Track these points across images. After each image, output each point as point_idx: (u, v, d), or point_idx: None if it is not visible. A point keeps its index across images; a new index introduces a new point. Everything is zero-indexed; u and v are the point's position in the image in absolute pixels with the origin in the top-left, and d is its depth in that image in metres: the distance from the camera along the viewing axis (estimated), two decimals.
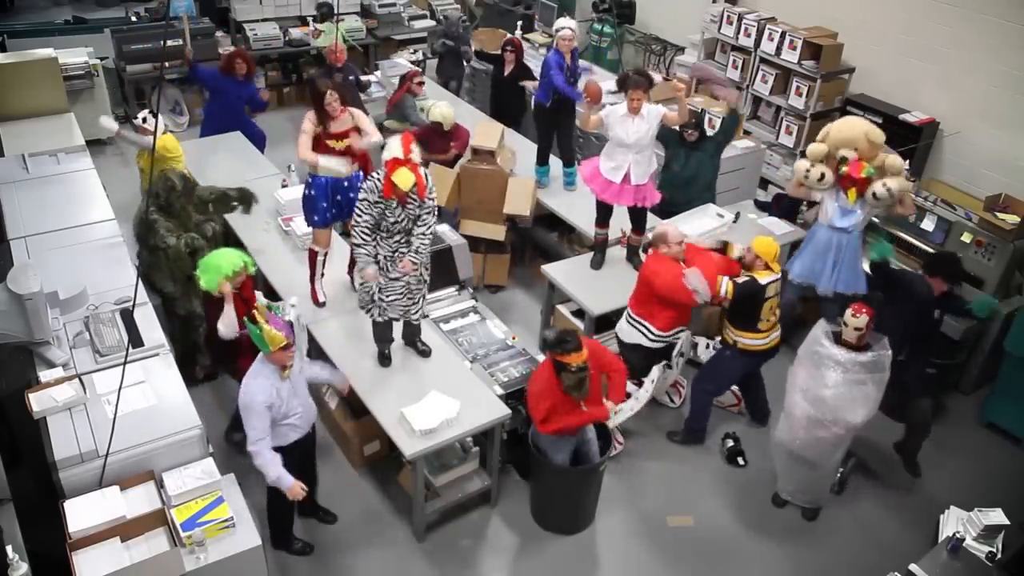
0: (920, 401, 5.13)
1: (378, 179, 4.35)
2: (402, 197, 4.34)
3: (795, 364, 4.72)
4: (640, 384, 5.08)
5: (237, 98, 7.55)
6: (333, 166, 4.98)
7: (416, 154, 4.32)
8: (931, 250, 6.00)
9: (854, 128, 5.39)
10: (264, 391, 3.86)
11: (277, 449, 3.99)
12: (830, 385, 4.50)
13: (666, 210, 6.19)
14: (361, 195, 4.42)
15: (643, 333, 5.15)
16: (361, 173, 5.22)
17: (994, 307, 5.40)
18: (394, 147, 4.30)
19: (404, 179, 4.24)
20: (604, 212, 5.75)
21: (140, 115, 6.18)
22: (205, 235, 5.35)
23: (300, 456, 4.28)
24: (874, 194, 5.28)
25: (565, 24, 6.29)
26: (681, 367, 5.57)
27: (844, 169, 5.33)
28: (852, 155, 5.29)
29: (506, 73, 7.67)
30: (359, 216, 4.42)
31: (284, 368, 3.91)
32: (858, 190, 5.32)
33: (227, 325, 4.36)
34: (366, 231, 4.46)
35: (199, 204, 5.53)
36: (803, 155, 5.70)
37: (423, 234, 4.49)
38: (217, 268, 4.33)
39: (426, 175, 4.41)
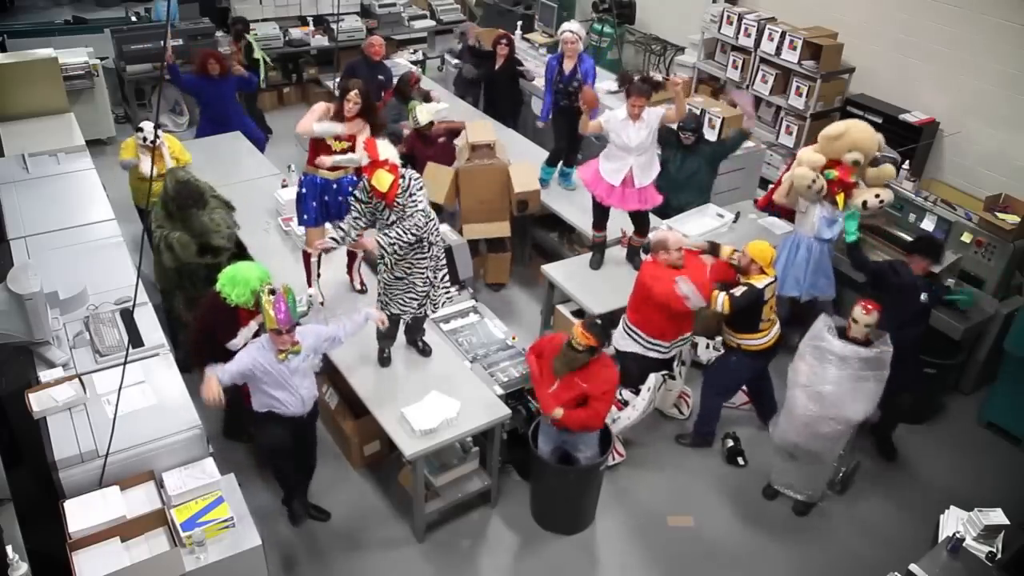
0: (902, 396, 5.12)
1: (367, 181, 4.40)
2: (382, 197, 4.34)
3: (796, 359, 4.70)
4: (637, 392, 5.07)
5: (222, 99, 7.46)
6: (327, 128, 4.90)
7: (389, 153, 4.31)
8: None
9: (869, 133, 5.35)
10: (252, 358, 3.99)
11: (265, 413, 4.19)
12: (831, 380, 4.50)
13: (661, 211, 6.17)
14: (357, 194, 4.46)
15: (636, 340, 5.11)
16: (354, 177, 5.20)
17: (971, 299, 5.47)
18: (361, 153, 4.36)
19: (382, 180, 4.25)
20: (601, 215, 5.74)
21: (144, 132, 5.91)
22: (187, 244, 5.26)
23: (287, 429, 4.31)
24: (865, 203, 5.31)
25: (567, 27, 6.29)
26: (685, 376, 5.56)
27: (834, 174, 5.31)
28: (862, 160, 5.26)
29: (497, 67, 7.65)
30: (352, 207, 4.47)
31: (281, 351, 4.01)
32: (846, 195, 5.32)
33: (243, 338, 4.42)
34: (358, 220, 4.47)
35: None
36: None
37: (404, 229, 4.38)
38: (246, 282, 4.31)
39: (406, 176, 4.39)
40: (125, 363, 3.81)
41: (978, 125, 6.85)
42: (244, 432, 5.10)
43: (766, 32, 7.77)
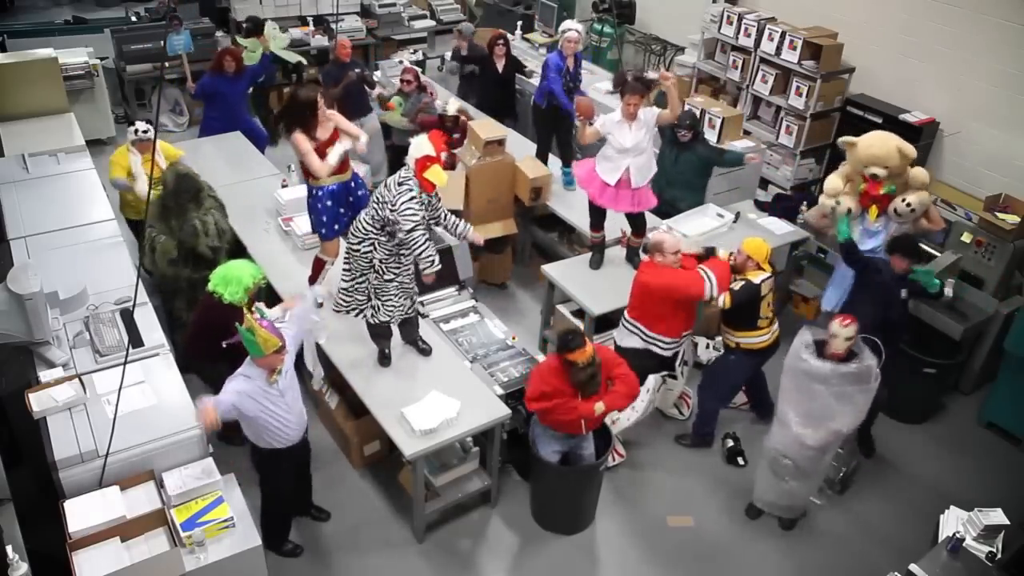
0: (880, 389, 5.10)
1: (410, 177, 4.38)
2: (430, 192, 4.42)
3: (783, 375, 4.65)
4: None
5: (234, 96, 7.51)
6: (342, 151, 4.87)
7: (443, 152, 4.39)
8: (932, 251, 6.00)
9: (886, 144, 5.23)
10: (238, 394, 3.81)
11: (269, 452, 4.08)
12: (815, 399, 4.45)
13: (660, 211, 6.14)
14: (407, 197, 4.35)
15: (640, 337, 5.10)
16: (357, 172, 5.21)
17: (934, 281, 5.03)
18: (425, 145, 4.33)
19: (438, 176, 4.30)
20: (598, 216, 5.72)
21: (137, 126, 5.86)
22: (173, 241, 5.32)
23: (294, 463, 4.29)
24: (895, 211, 5.20)
25: (571, 26, 6.30)
26: (687, 376, 5.56)
27: (862, 187, 5.25)
28: (883, 173, 5.17)
29: (501, 70, 7.65)
30: (415, 216, 4.35)
31: (273, 372, 3.89)
32: (880, 207, 5.27)
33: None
34: (423, 228, 4.42)
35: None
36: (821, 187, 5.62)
37: (456, 222, 4.65)
38: (239, 280, 4.35)
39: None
40: (125, 363, 3.81)
41: (978, 125, 6.85)
42: (237, 435, 5.10)
43: (766, 32, 7.76)
